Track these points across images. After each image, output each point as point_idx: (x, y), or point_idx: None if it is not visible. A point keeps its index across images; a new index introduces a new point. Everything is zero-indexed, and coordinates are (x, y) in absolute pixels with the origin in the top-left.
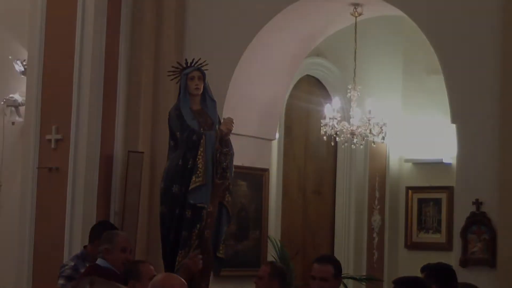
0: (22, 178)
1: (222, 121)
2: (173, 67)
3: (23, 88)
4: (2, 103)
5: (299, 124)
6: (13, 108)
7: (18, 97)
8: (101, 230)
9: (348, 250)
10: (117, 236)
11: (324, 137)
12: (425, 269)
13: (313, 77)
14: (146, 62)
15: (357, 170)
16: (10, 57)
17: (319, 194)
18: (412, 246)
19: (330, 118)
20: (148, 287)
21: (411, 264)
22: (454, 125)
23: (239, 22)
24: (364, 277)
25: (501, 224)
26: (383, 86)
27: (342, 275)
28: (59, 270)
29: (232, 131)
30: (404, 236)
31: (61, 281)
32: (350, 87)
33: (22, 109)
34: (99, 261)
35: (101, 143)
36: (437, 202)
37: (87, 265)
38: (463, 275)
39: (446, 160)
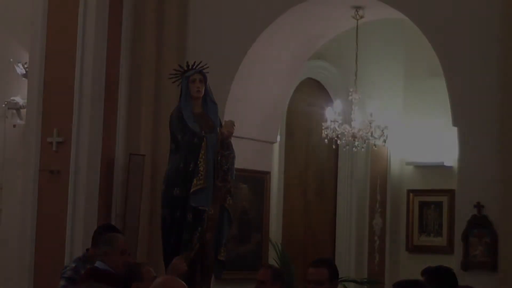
0: (24, 181)
1: (223, 123)
2: (174, 70)
3: (25, 90)
4: (4, 105)
5: (300, 127)
6: (14, 111)
7: (20, 99)
8: (104, 233)
9: (349, 253)
10: (116, 238)
11: (326, 140)
12: (425, 272)
13: (315, 80)
14: (147, 65)
15: (359, 173)
16: (11, 59)
17: (320, 197)
18: (413, 249)
19: (331, 121)
20: None
21: (412, 267)
22: (455, 128)
23: (241, 25)
24: (366, 280)
25: (503, 227)
26: (385, 89)
27: (344, 278)
28: (62, 271)
29: (233, 134)
30: (406, 239)
31: (62, 282)
32: (351, 90)
33: (23, 111)
34: (98, 264)
35: (102, 146)
36: (438, 205)
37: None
38: (464, 278)
39: (447, 163)
